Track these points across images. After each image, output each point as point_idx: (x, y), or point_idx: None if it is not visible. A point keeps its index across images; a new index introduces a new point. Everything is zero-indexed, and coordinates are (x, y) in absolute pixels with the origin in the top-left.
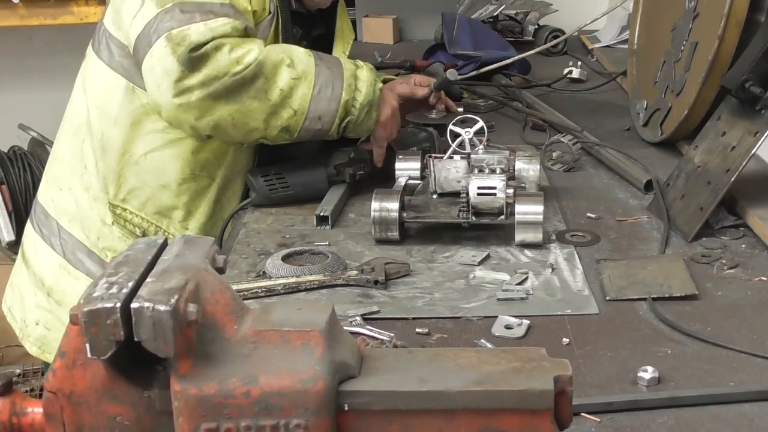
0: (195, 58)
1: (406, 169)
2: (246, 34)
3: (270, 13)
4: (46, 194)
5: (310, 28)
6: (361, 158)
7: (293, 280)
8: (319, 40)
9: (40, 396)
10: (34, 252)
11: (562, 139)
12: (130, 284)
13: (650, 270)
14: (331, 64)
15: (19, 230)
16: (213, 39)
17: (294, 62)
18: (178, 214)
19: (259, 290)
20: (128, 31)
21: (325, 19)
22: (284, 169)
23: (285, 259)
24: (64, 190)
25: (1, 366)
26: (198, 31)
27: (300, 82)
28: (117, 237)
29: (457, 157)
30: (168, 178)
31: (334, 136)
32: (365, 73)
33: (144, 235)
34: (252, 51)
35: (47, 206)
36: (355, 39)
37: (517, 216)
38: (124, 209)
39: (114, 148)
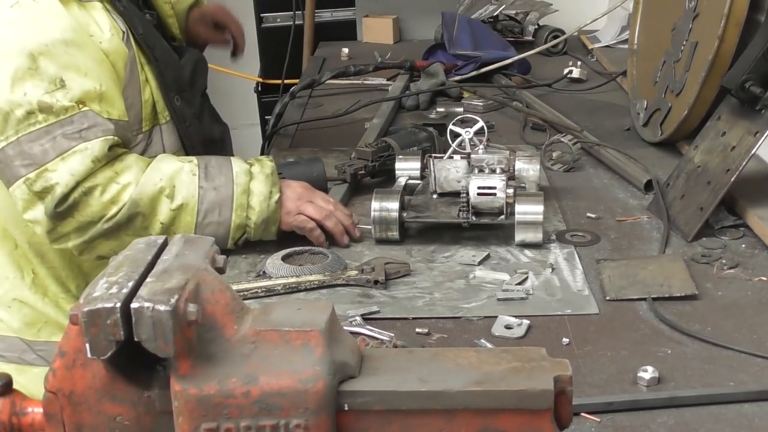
0: (64, 210)
1: (406, 169)
2: (115, 144)
3: (125, 35)
4: None
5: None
6: (362, 158)
7: (293, 280)
8: None
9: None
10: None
11: (562, 139)
12: (130, 284)
13: (650, 270)
14: (219, 183)
15: None
16: (78, 185)
17: (174, 191)
18: None
19: (259, 290)
20: None
21: None
22: (284, 169)
23: (285, 259)
24: (13, 306)
25: None
26: (60, 177)
27: (181, 213)
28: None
29: (457, 157)
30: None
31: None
32: (259, 186)
33: None
34: (127, 187)
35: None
36: (355, 39)
37: (517, 216)
38: None
39: (48, 247)
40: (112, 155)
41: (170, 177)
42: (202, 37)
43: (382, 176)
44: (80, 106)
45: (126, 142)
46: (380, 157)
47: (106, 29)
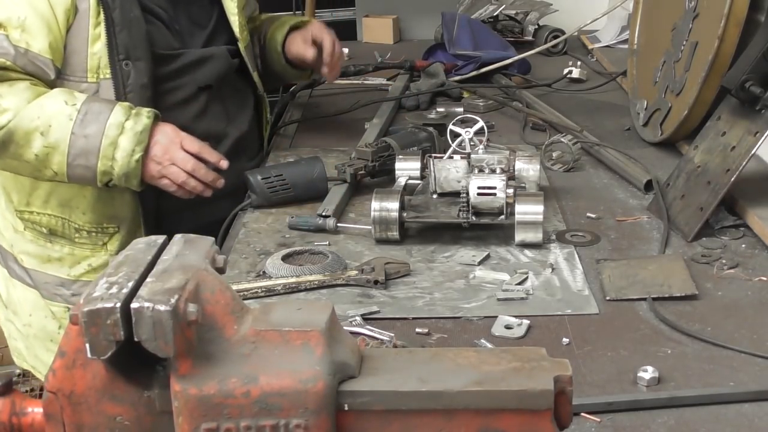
0: None
1: (406, 169)
2: (7, 67)
3: (80, 1)
4: None
5: None
6: (362, 158)
7: (293, 280)
8: None
9: (40, 396)
10: None
11: (562, 139)
12: (130, 284)
13: (650, 270)
14: (90, 131)
15: None
16: None
17: (49, 130)
18: (77, 201)
19: (259, 290)
20: None
21: None
22: (284, 169)
23: (285, 259)
24: None
25: (1, 366)
26: None
27: (53, 151)
28: (29, 240)
29: (457, 157)
30: None
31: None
32: (125, 141)
33: (51, 232)
34: (5, 112)
35: None
36: (355, 39)
37: (517, 216)
38: (30, 212)
39: None
40: (1, 76)
41: (48, 117)
42: (306, 59)
43: (382, 176)
44: None
45: (37, 75)
46: (380, 157)
47: None
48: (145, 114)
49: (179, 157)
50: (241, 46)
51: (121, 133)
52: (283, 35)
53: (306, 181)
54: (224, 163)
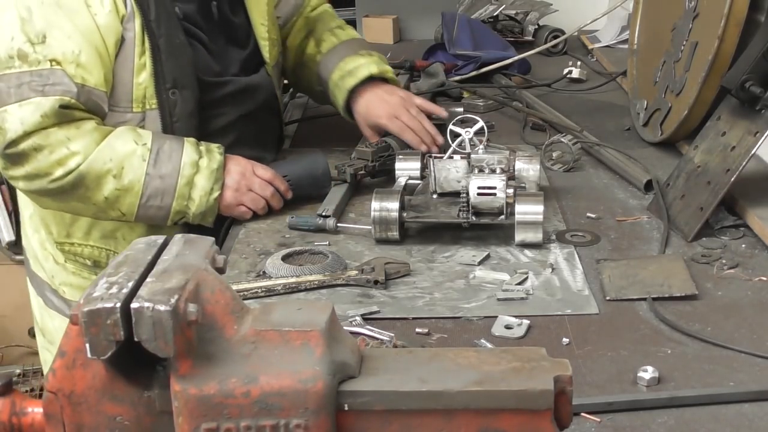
0: (14, 155)
1: (406, 169)
2: (71, 106)
3: (126, 17)
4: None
5: None
6: (362, 158)
7: (293, 280)
8: None
9: (40, 396)
10: (30, 295)
11: (562, 139)
12: (130, 284)
13: (650, 270)
14: (166, 171)
15: (19, 230)
16: (26, 135)
17: (122, 172)
18: (122, 233)
19: (259, 290)
20: None
21: None
22: (286, 167)
23: (285, 259)
24: (28, 232)
25: (1, 366)
26: (11, 121)
27: (125, 193)
28: (71, 272)
29: (457, 157)
30: None
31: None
32: (202, 180)
33: (95, 264)
34: (76, 155)
35: (25, 246)
36: None
37: (517, 216)
38: (71, 244)
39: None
40: (66, 116)
41: (121, 159)
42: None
43: (382, 176)
44: (53, 63)
45: (95, 110)
46: (380, 157)
47: (106, 4)
48: (216, 150)
49: (256, 184)
50: (269, 66)
51: (197, 172)
52: (351, 87)
53: (310, 180)
54: (290, 194)
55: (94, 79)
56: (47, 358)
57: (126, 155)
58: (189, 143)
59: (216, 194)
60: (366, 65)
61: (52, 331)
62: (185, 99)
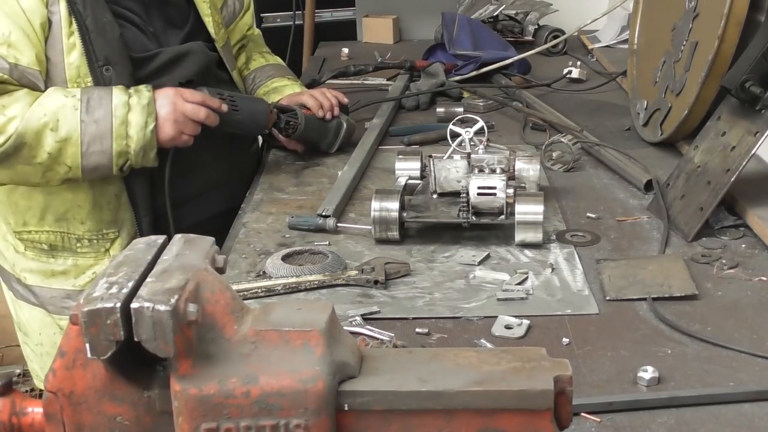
0: None
1: (406, 169)
2: (9, 81)
3: (53, 13)
4: None
5: None
6: (298, 113)
7: (293, 280)
8: None
9: (40, 396)
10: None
11: (562, 139)
12: (130, 284)
13: (650, 270)
14: (99, 116)
15: None
16: None
17: (58, 125)
18: (73, 213)
19: (259, 290)
20: None
21: None
22: (236, 96)
23: (285, 259)
24: None
25: (1, 366)
26: None
27: (66, 143)
28: (30, 258)
29: (457, 157)
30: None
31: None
32: (136, 116)
33: (52, 248)
34: (13, 120)
35: None
36: (355, 39)
37: (517, 216)
38: (28, 232)
39: None
40: (1, 89)
41: (54, 112)
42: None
43: (382, 175)
44: None
45: (31, 87)
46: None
47: None
48: (144, 88)
49: (189, 109)
50: (217, 45)
51: (129, 111)
52: (276, 101)
53: (251, 110)
54: (224, 107)
55: (26, 59)
56: (27, 352)
57: (58, 108)
58: (117, 88)
59: (151, 126)
60: (291, 86)
61: (24, 323)
62: (119, 74)
